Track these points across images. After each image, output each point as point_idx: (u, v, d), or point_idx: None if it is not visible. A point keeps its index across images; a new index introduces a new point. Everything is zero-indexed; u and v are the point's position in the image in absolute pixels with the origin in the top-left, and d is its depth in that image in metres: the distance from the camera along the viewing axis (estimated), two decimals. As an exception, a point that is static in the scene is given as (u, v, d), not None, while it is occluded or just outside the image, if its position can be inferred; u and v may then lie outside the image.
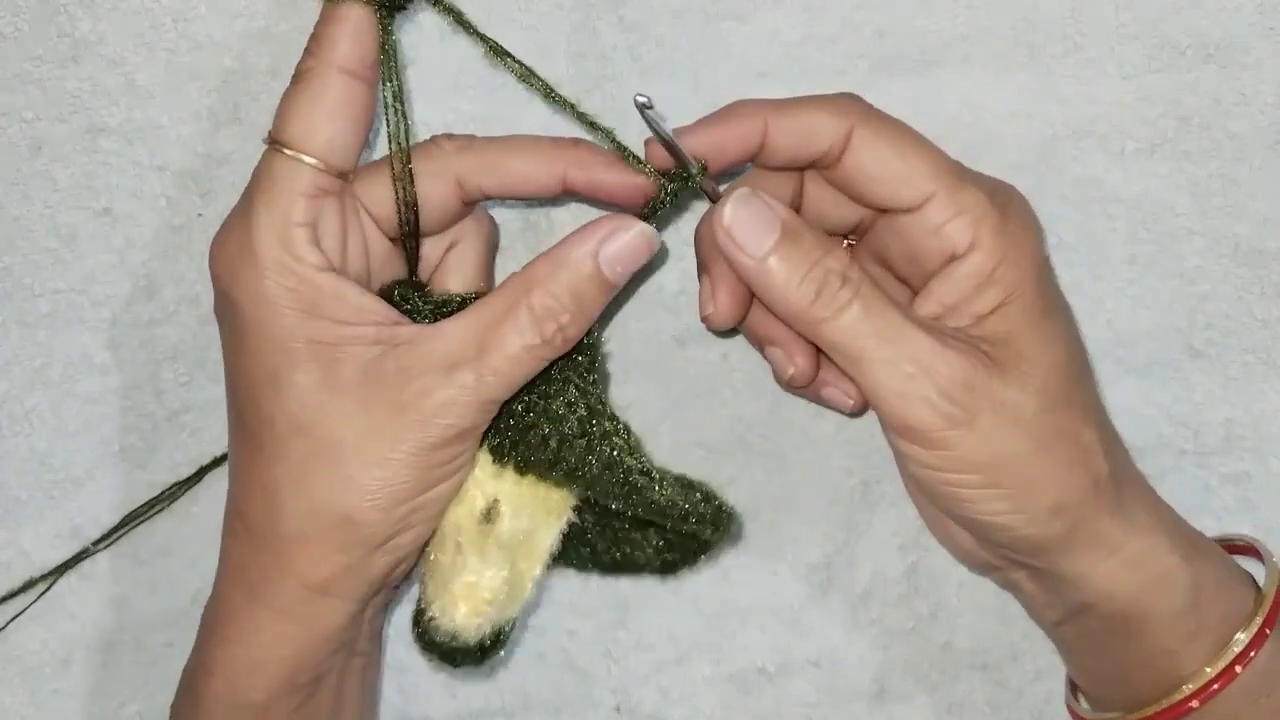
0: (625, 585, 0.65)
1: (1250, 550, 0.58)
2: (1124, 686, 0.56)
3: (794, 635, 0.65)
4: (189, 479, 0.64)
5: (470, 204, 0.56)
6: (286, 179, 0.51)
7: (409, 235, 0.55)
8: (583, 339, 0.54)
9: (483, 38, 0.54)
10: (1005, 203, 0.54)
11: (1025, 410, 0.52)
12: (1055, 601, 0.57)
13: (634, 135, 0.60)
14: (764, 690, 0.66)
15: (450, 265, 0.58)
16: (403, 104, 0.54)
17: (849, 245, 0.60)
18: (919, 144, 0.54)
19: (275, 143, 0.52)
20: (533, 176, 0.55)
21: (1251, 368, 0.63)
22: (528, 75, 0.54)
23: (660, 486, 0.54)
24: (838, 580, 0.65)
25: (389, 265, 0.56)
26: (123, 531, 0.64)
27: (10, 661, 0.65)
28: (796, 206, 0.57)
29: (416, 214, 0.55)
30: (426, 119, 0.59)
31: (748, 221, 0.52)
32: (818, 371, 0.57)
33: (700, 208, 0.61)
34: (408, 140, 0.54)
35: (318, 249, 0.51)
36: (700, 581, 0.65)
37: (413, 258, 0.56)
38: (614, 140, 0.54)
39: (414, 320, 0.53)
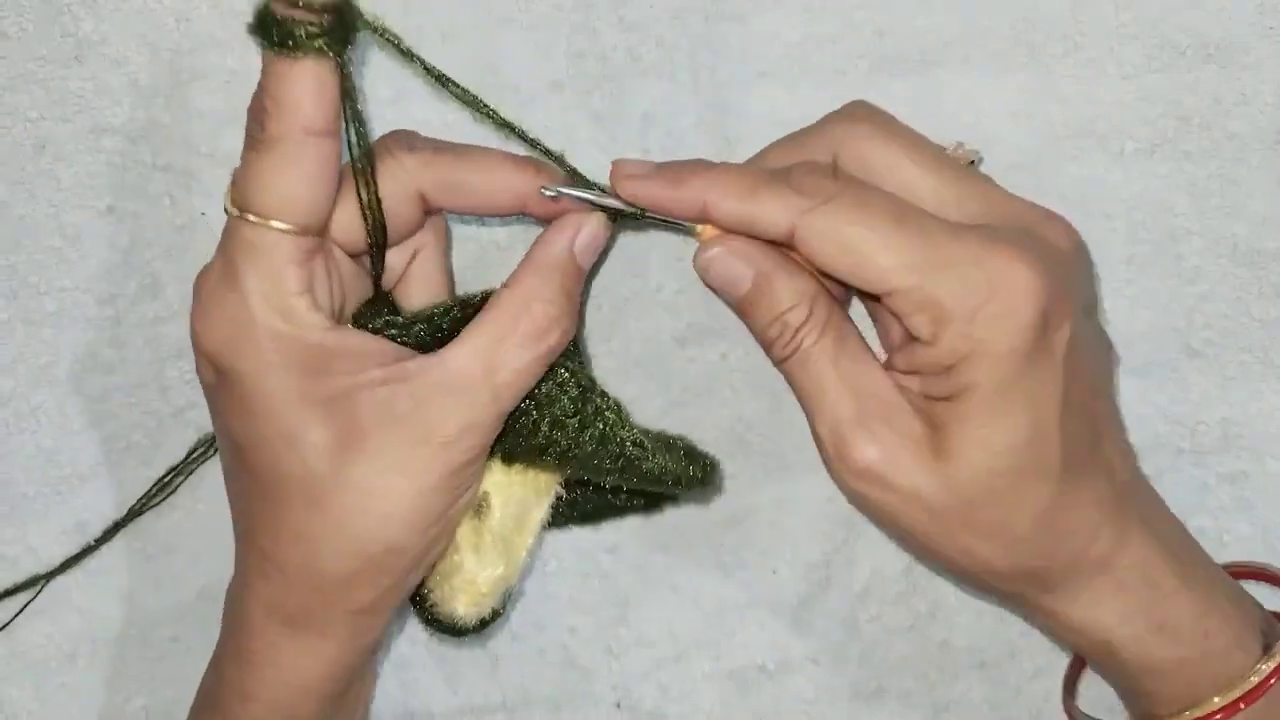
0: (625, 582, 0.66)
1: (1261, 575, 0.59)
2: (1129, 698, 0.57)
3: (793, 633, 0.66)
4: (180, 465, 0.64)
5: (429, 213, 0.56)
6: (273, 250, 0.49)
7: (376, 256, 0.55)
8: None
9: (425, 66, 0.52)
10: (987, 281, 0.50)
11: (959, 493, 0.52)
12: (1043, 626, 0.58)
13: (632, 135, 0.61)
14: (763, 687, 0.66)
15: (414, 274, 0.58)
16: (367, 140, 0.52)
17: None
18: (887, 228, 0.50)
19: (246, 212, 0.49)
20: (494, 198, 0.55)
21: (1249, 367, 0.63)
22: (472, 101, 0.53)
23: (652, 456, 0.56)
24: (837, 578, 0.65)
25: (355, 282, 0.55)
26: (124, 525, 0.64)
27: (17, 656, 0.65)
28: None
29: (385, 236, 0.54)
30: (426, 120, 0.59)
31: (719, 277, 0.54)
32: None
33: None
34: (373, 176, 0.53)
35: (318, 311, 0.51)
36: (700, 579, 0.66)
37: (379, 279, 0.56)
38: (566, 165, 0.55)
39: (398, 340, 0.54)
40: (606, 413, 0.55)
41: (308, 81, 0.48)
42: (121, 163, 0.63)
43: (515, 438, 0.54)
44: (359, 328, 0.54)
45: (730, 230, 0.53)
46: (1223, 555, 0.60)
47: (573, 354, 0.56)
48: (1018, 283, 0.50)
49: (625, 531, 0.65)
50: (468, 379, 0.51)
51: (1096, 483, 0.53)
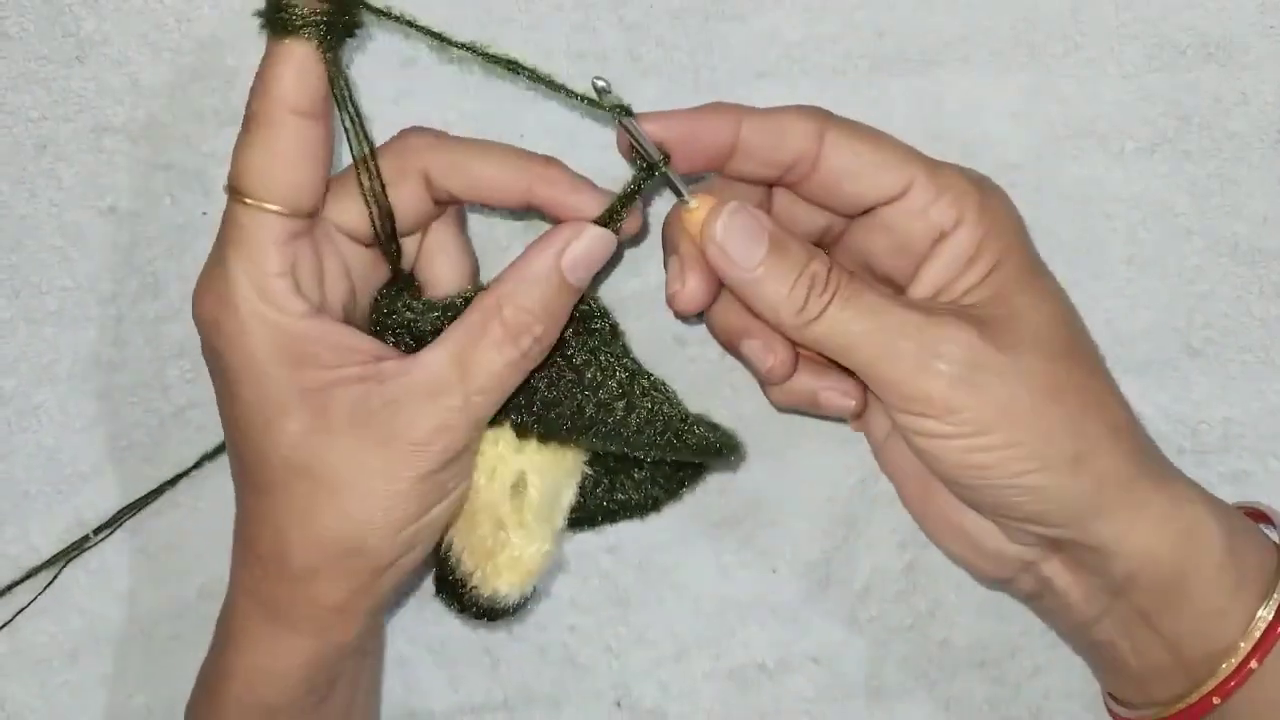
0: (626, 582, 0.66)
1: (1259, 516, 0.58)
2: (1172, 672, 0.55)
3: (793, 632, 0.66)
4: (189, 470, 0.64)
5: (442, 204, 0.56)
6: (256, 230, 0.51)
7: (389, 240, 0.55)
8: (594, 311, 0.56)
9: (435, 35, 0.53)
10: (980, 179, 0.55)
11: (1027, 363, 0.52)
12: (1094, 589, 0.56)
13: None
14: (763, 686, 0.66)
15: (432, 250, 0.58)
16: (362, 124, 0.53)
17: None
18: (887, 137, 0.55)
19: (236, 192, 0.51)
20: (499, 184, 0.55)
21: (1250, 367, 0.63)
22: (489, 58, 0.53)
23: (695, 428, 0.57)
24: (837, 577, 0.65)
25: (374, 270, 0.56)
26: (124, 519, 0.65)
27: (19, 654, 0.65)
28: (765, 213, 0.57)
29: (393, 222, 0.55)
30: (428, 118, 0.59)
31: (738, 235, 0.53)
32: (797, 362, 0.57)
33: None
34: (377, 170, 0.54)
35: (298, 295, 0.51)
36: (700, 578, 0.66)
37: (395, 262, 0.56)
38: (617, 108, 0.53)
39: (414, 326, 0.54)
40: (654, 392, 0.56)
41: (291, 61, 0.50)
42: (123, 162, 0.63)
43: (559, 419, 0.55)
44: (380, 312, 0.55)
45: (755, 157, 0.54)
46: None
47: (613, 338, 0.56)
48: (994, 183, 0.56)
49: (625, 531, 0.65)
50: (440, 382, 0.51)
51: (1120, 396, 0.55)
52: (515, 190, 0.55)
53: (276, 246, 0.51)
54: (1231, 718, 0.54)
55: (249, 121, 0.51)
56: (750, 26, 0.62)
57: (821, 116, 0.54)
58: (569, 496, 0.58)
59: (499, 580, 0.56)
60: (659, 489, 0.62)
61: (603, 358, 0.55)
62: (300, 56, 0.50)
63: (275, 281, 0.51)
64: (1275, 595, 0.54)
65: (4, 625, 0.65)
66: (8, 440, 0.64)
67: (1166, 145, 0.62)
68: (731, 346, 0.58)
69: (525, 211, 0.56)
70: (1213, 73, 0.62)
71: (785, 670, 0.66)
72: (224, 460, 0.63)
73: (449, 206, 0.58)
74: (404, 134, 0.55)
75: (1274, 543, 0.56)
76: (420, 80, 0.62)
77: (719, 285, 0.55)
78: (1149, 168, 0.62)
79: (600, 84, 0.52)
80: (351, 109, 0.52)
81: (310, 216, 0.52)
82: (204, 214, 0.63)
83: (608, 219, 0.54)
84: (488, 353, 0.52)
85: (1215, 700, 0.54)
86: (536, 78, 0.53)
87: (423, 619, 0.66)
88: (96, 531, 0.64)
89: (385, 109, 0.61)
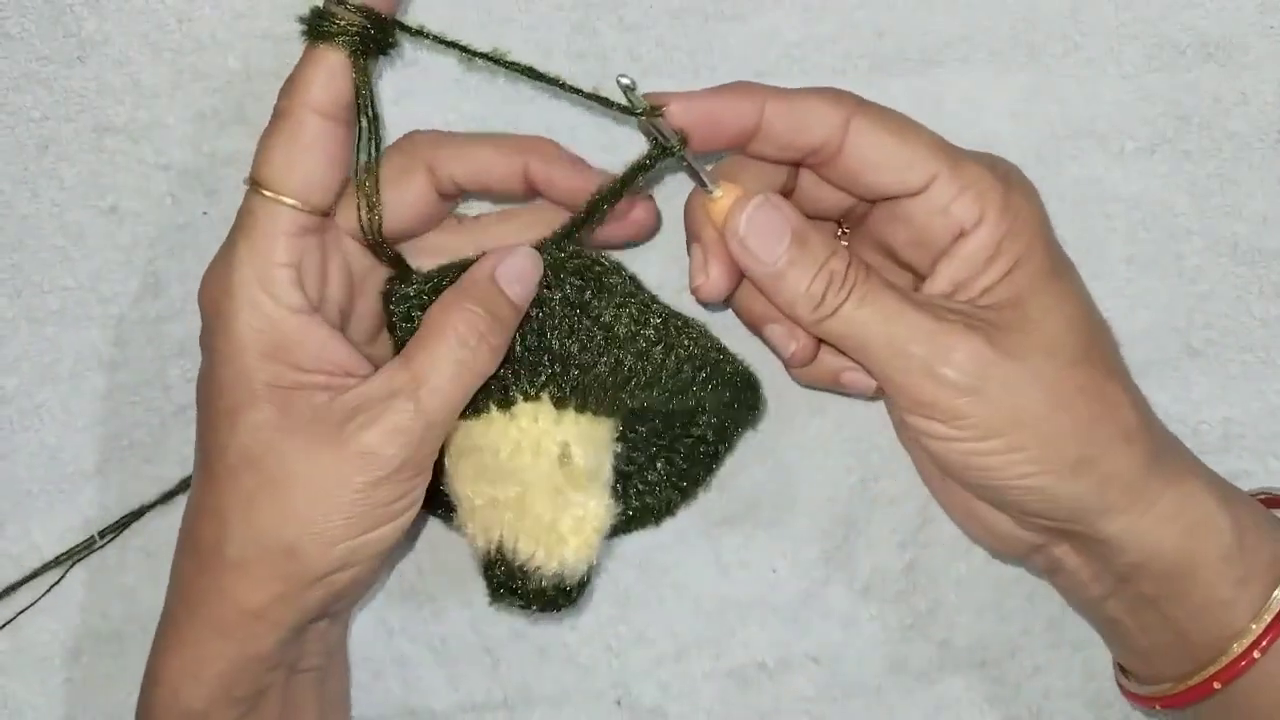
0: (626, 581, 0.66)
1: (1276, 503, 0.58)
2: (1177, 653, 0.56)
3: (793, 631, 0.66)
4: (175, 489, 0.65)
5: (447, 198, 0.57)
6: (268, 219, 0.52)
7: (378, 238, 0.56)
8: (609, 268, 0.56)
9: (467, 50, 0.54)
10: (1006, 174, 0.55)
11: (1039, 370, 0.52)
12: (1102, 572, 0.56)
13: (633, 135, 0.61)
14: (763, 685, 0.66)
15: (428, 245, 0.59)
16: (377, 139, 0.55)
17: (843, 233, 0.61)
18: (914, 126, 0.55)
19: (255, 183, 0.53)
20: (497, 167, 0.56)
21: (1250, 367, 0.63)
22: (530, 73, 0.54)
23: (731, 360, 0.58)
24: (837, 576, 0.65)
25: (378, 277, 0.58)
26: (124, 529, 0.65)
27: (21, 652, 0.66)
28: (788, 193, 0.57)
29: (381, 219, 0.56)
30: (428, 118, 0.60)
31: (761, 230, 0.53)
32: (819, 348, 0.57)
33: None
34: (378, 184, 0.55)
35: (298, 289, 0.53)
36: (701, 578, 0.66)
37: (390, 260, 0.57)
38: (650, 109, 0.53)
39: (424, 297, 0.55)
40: (688, 329, 0.56)
41: (322, 66, 0.52)
42: (124, 162, 0.63)
43: (598, 380, 0.55)
44: (391, 291, 0.56)
45: (777, 141, 0.54)
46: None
47: (637, 289, 0.56)
48: (1022, 175, 0.56)
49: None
50: (394, 387, 0.52)
51: (1134, 395, 0.55)
52: (512, 171, 0.56)
53: (285, 238, 0.53)
54: (1233, 701, 0.54)
55: (275, 116, 0.53)
56: (750, 26, 0.62)
57: (849, 102, 0.54)
58: (607, 470, 0.57)
59: (565, 548, 0.55)
60: (673, 489, 0.62)
61: (632, 308, 0.55)
62: (331, 62, 0.52)
63: (279, 271, 0.52)
64: None
65: (5, 624, 0.65)
66: (10, 439, 0.64)
67: (1166, 145, 0.62)
68: (755, 329, 0.59)
69: (530, 198, 0.57)
70: (1213, 73, 0.62)
71: (785, 669, 0.66)
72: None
73: (455, 201, 0.58)
74: (408, 135, 0.57)
75: None
76: (420, 80, 0.62)
77: (742, 273, 0.56)
78: (1149, 168, 0.62)
79: (625, 82, 0.52)
80: (370, 117, 0.54)
81: (323, 215, 0.54)
82: (205, 214, 0.63)
83: (608, 200, 0.55)
84: (437, 350, 0.52)
85: (1216, 685, 0.54)
86: (577, 91, 0.54)
87: (423, 618, 0.66)
88: (102, 534, 0.65)
89: (386, 109, 0.62)
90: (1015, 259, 0.54)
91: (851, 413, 0.65)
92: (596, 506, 0.56)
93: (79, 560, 0.65)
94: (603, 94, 0.54)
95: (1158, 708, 0.57)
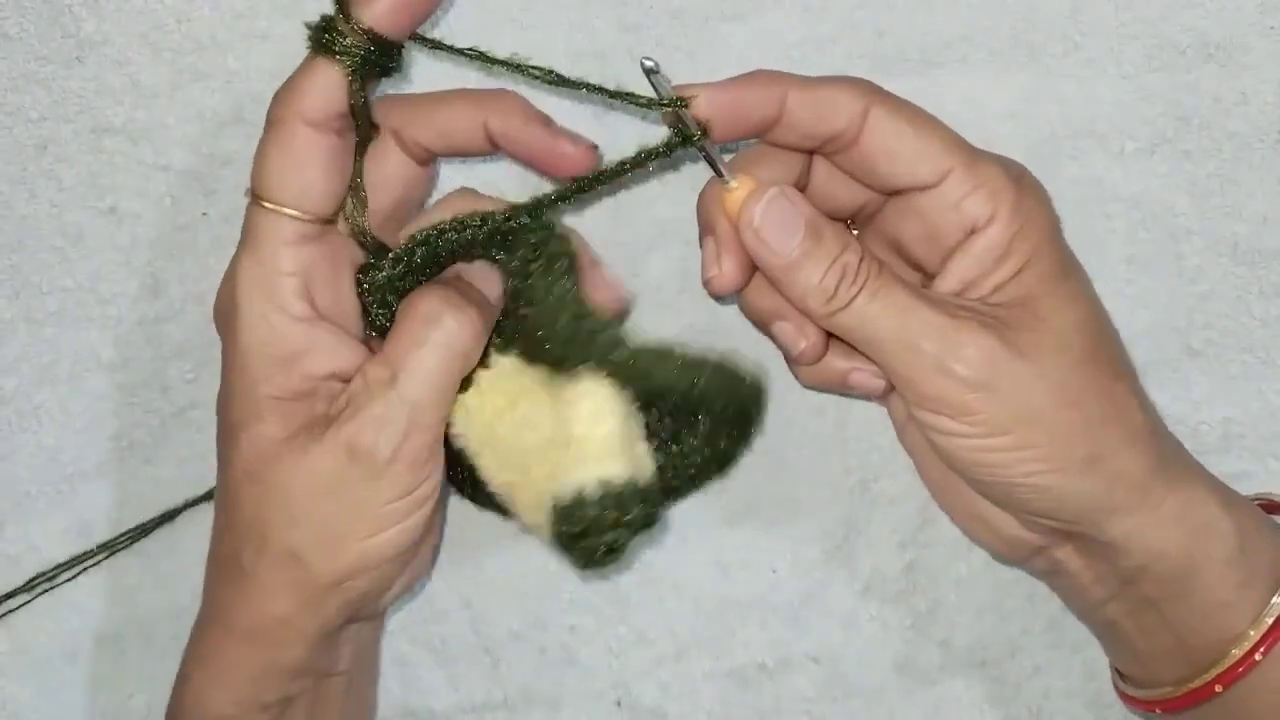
0: (625, 581, 0.66)
1: (1276, 508, 0.58)
2: (1177, 656, 0.56)
3: (793, 631, 0.66)
4: (196, 500, 0.65)
5: (424, 164, 0.57)
6: (268, 230, 0.52)
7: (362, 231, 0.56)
8: (552, 247, 0.55)
9: (477, 55, 0.54)
10: (1019, 175, 0.55)
11: (1047, 369, 0.52)
12: (1105, 573, 0.56)
13: (633, 135, 0.61)
14: (763, 686, 0.66)
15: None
16: (362, 154, 0.54)
17: (853, 232, 0.60)
18: (932, 121, 0.55)
19: (254, 195, 0.53)
20: (460, 125, 0.55)
21: (1250, 367, 0.63)
22: (558, 79, 0.54)
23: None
24: (837, 577, 0.65)
25: None
26: (126, 543, 0.65)
27: (19, 654, 0.66)
28: (803, 188, 0.57)
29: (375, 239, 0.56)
30: (428, 119, 0.60)
31: (775, 221, 0.53)
32: (828, 346, 0.57)
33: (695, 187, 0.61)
34: (363, 190, 0.55)
35: (303, 298, 0.53)
36: (701, 578, 0.66)
37: (364, 243, 0.56)
38: (676, 100, 0.53)
39: (384, 280, 0.54)
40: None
41: (318, 78, 0.52)
42: (123, 163, 0.63)
43: (560, 334, 0.55)
44: (362, 278, 0.55)
45: (799, 129, 0.54)
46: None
47: (566, 274, 0.55)
48: (1033, 176, 0.56)
49: (625, 531, 0.65)
50: (378, 381, 0.52)
51: (1141, 397, 0.55)
52: (474, 129, 0.55)
53: (287, 247, 0.52)
54: (1232, 704, 0.54)
55: (269, 126, 0.53)
56: (750, 26, 0.62)
57: (869, 91, 0.54)
58: (640, 441, 0.56)
59: (580, 470, 0.54)
60: (707, 457, 0.60)
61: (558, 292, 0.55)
62: (328, 77, 0.52)
63: (283, 281, 0.52)
64: None
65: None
66: (9, 440, 0.64)
67: (1166, 145, 0.62)
68: (763, 326, 0.58)
69: (497, 155, 0.56)
70: (1213, 73, 0.62)
71: (785, 670, 0.66)
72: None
73: (433, 166, 0.58)
74: (375, 101, 0.56)
75: None
76: (420, 81, 0.62)
77: (754, 267, 0.55)
78: (1149, 168, 0.62)
79: (649, 64, 0.51)
80: (362, 135, 0.53)
81: (324, 222, 0.54)
82: (204, 215, 0.63)
83: (608, 177, 0.54)
84: (415, 334, 0.52)
85: (1217, 688, 0.54)
86: (601, 90, 0.53)
87: (423, 619, 0.66)
88: (103, 548, 0.65)
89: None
90: (1025, 259, 0.54)
91: (851, 413, 0.65)
92: (596, 407, 0.55)
93: (81, 572, 0.65)
94: (615, 88, 0.53)
95: (1157, 711, 0.57)
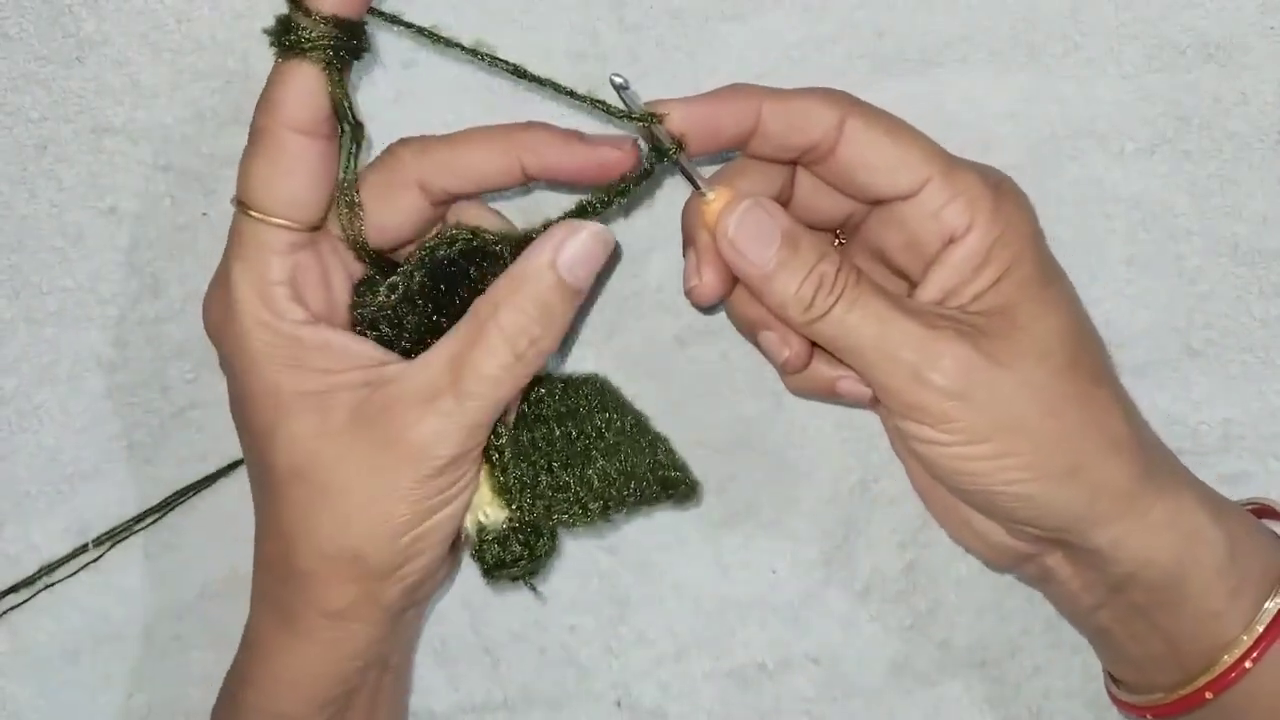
0: (625, 582, 0.66)
1: (1268, 512, 0.58)
2: (1168, 663, 0.56)
3: (793, 632, 0.66)
4: (197, 483, 0.64)
5: (442, 205, 0.57)
6: (257, 240, 0.52)
7: (363, 248, 0.55)
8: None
9: (434, 37, 0.54)
10: (997, 183, 0.55)
11: (1027, 377, 0.52)
12: (1094, 581, 0.56)
13: (632, 135, 0.61)
14: (763, 686, 0.66)
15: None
16: (357, 147, 0.54)
17: (840, 243, 0.61)
18: (910, 131, 0.55)
19: (240, 204, 0.52)
20: (490, 169, 0.55)
21: (1250, 367, 0.63)
22: (517, 71, 0.54)
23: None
24: (837, 577, 0.65)
25: None
26: (127, 534, 0.65)
27: (20, 653, 0.65)
28: (786, 200, 0.57)
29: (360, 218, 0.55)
30: (427, 121, 0.59)
31: (751, 232, 0.53)
32: (812, 354, 0.57)
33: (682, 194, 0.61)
34: (358, 193, 0.54)
35: (299, 304, 0.53)
36: (701, 578, 0.66)
37: (381, 267, 0.56)
38: (608, 106, 0.54)
39: (399, 290, 0.54)
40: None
41: (295, 81, 0.51)
42: (123, 163, 0.63)
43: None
44: (356, 302, 0.55)
45: (775, 141, 0.54)
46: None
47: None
48: (1013, 184, 0.56)
49: (625, 531, 0.65)
50: (436, 386, 0.51)
51: (1125, 405, 0.55)
52: (506, 169, 0.55)
53: (278, 256, 0.52)
54: (1224, 711, 0.55)
55: (253, 137, 0.52)
56: (750, 26, 0.62)
57: (845, 102, 0.54)
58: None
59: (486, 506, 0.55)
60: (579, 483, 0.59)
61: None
62: (305, 77, 0.51)
63: (276, 289, 0.52)
64: (1272, 600, 0.54)
65: None
66: (8, 440, 0.64)
67: (1166, 145, 0.62)
68: (750, 335, 0.59)
69: (531, 186, 0.57)
70: (1213, 73, 0.62)
71: (785, 670, 0.66)
72: (223, 463, 0.64)
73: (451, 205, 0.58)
74: (392, 148, 0.56)
75: None
76: (420, 81, 0.62)
77: (735, 278, 0.55)
78: (1149, 168, 0.62)
79: (618, 81, 0.52)
80: (351, 124, 0.53)
81: (313, 229, 0.53)
82: (204, 215, 0.63)
83: (608, 200, 0.54)
84: (481, 356, 0.51)
85: (1208, 695, 0.54)
86: (571, 94, 0.54)
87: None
88: (98, 542, 0.65)
89: (385, 109, 0.62)
90: (1005, 267, 0.54)
91: (851, 413, 0.65)
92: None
93: (80, 569, 0.65)
94: (599, 96, 0.54)
95: (1149, 717, 0.57)
